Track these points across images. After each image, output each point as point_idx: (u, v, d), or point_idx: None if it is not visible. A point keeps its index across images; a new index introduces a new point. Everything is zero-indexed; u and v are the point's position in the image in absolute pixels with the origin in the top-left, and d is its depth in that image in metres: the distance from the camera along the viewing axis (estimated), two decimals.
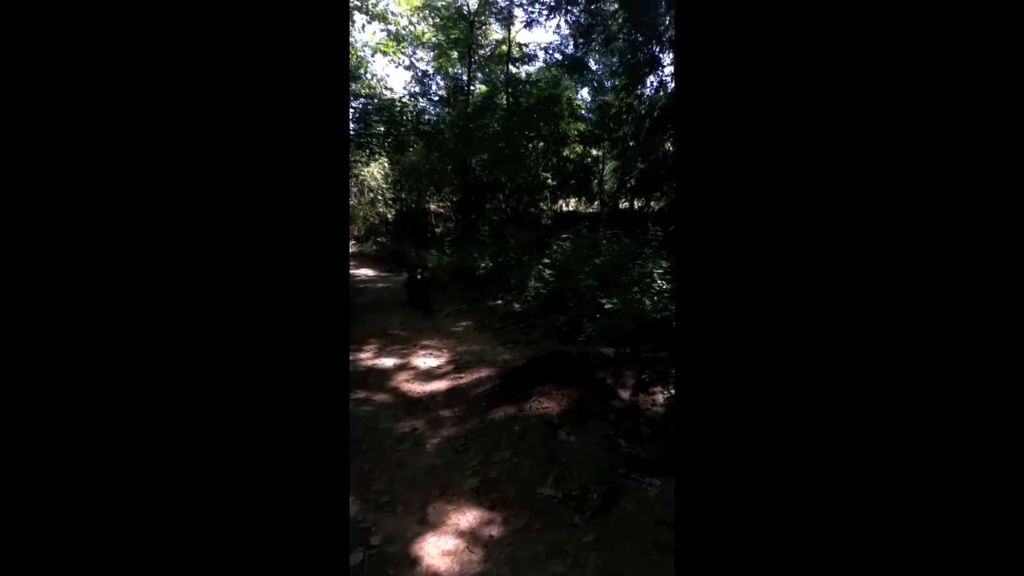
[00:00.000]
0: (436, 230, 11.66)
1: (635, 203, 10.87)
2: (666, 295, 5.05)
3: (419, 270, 6.83)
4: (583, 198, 12.04)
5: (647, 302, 4.84)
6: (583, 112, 11.53)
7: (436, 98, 13.10)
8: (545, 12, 9.98)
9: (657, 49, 9.39)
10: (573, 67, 10.33)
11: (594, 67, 11.00)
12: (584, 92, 11.87)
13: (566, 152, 11.17)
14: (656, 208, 10.09)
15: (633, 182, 10.52)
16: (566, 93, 11.21)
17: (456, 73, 12.73)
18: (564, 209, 12.07)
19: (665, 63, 9.60)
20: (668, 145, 9.67)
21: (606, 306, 4.87)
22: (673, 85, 9.58)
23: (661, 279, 5.34)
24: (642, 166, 10.03)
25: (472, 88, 12.40)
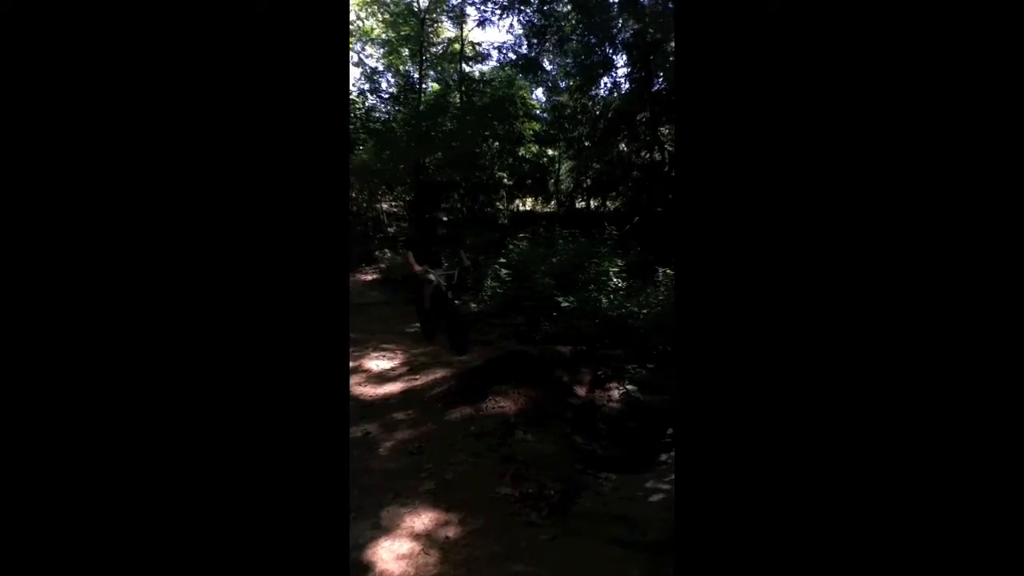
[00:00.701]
0: (389, 230, 11.49)
1: (591, 203, 11.06)
2: (621, 292, 5.16)
3: (446, 289, 4.87)
4: (540, 198, 12.15)
5: (603, 300, 4.93)
6: (538, 112, 11.64)
7: (386, 96, 12.93)
8: (498, 11, 10.02)
9: (610, 51, 9.60)
10: (527, 67, 10.41)
11: (548, 67, 11.12)
12: (539, 92, 11.99)
13: (522, 152, 11.23)
14: (612, 207, 10.29)
15: (589, 182, 10.70)
16: (520, 93, 11.28)
17: (407, 71, 12.61)
18: (521, 209, 12.13)
19: (619, 65, 9.83)
20: (623, 146, 9.89)
21: (562, 304, 4.92)
22: (626, 87, 9.82)
23: (617, 277, 5.45)
24: (598, 166, 10.22)
25: (424, 86, 12.31)
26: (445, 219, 6.92)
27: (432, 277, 4.82)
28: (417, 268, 4.81)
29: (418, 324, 5.50)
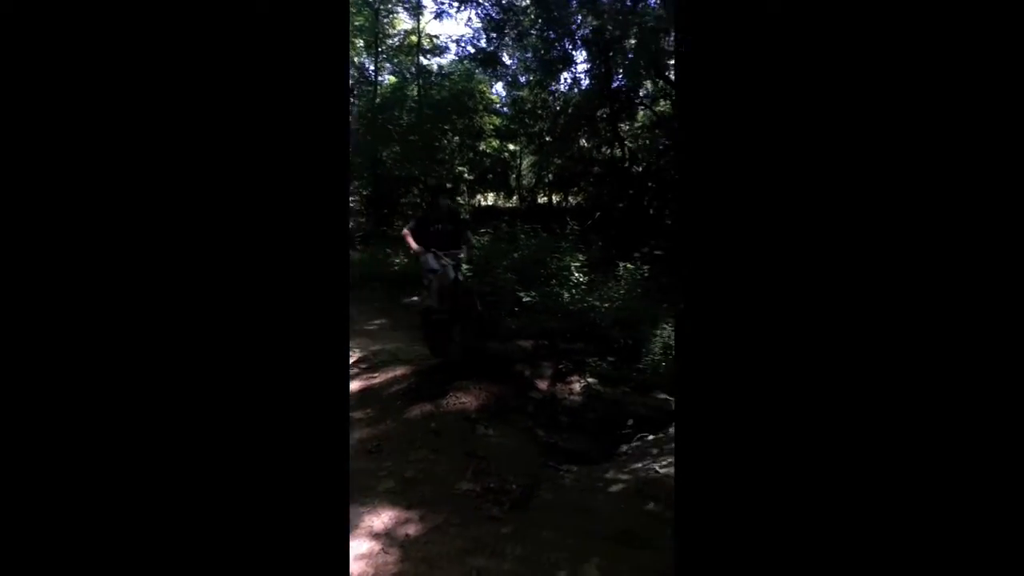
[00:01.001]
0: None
1: (553, 198, 11.15)
2: (583, 287, 5.23)
3: (462, 296, 3.63)
4: (501, 192, 12.16)
5: (565, 295, 4.98)
6: (498, 107, 11.63)
7: None
8: (456, 4, 9.95)
9: (570, 46, 9.68)
10: (486, 61, 10.38)
11: (508, 62, 11.13)
12: (499, 86, 11.98)
13: (482, 146, 11.20)
14: (573, 203, 10.40)
15: (551, 177, 10.78)
16: (480, 87, 11.24)
17: (361, 63, 12.38)
18: (482, 204, 12.12)
19: (579, 60, 9.93)
20: (583, 141, 10.00)
21: (524, 299, 4.95)
22: (587, 82, 9.93)
23: (578, 272, 5.52)
24: (559, 161, 10.30)
25: (380, 79, 12.12)
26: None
27: (442, 264, 3.49)
28: (415, 247, 3.55)
29: (379, 322, 5.39)
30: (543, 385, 3.59)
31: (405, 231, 3.75)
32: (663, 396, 3.38)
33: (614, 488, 2.45)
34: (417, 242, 3.61)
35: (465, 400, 3.26)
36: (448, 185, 10.59)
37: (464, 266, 4.00)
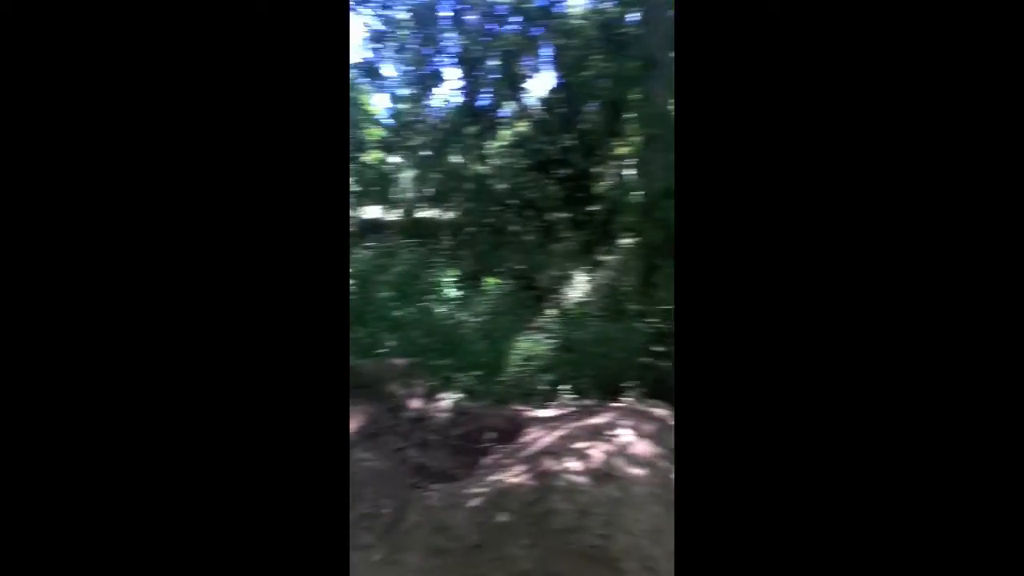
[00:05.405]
0: None
1: (432, 211, 11.05)
2: (456, 302, 5.35)
3: None
4: (383, 206, 11.79)
5: (437, 309, 5.06)
6: (379, 118, 11.23)
7: None
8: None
9: (441, 63, 9.62)
10: (369, 72, 9.98)
11: (391, 74, 10.78)
12: (381, 98, 11.56)
13: (363, 158, 10.78)
14: (450, 217, 10.41)
15: (428, 191, 10.68)
16: (362, 97, 10.76)
17: None
18: (364, 217, 11.68)
19: (451, 78, 9.93)
20: (454, 157, 10.04)
21: (394, 314, 4.95)
22: (461, 101, 9.96)
23: (451, 286, 5.62)
24: (436, 175, 10.26)
25: None
26: None
27: None
28: None
29: None
30: (415, 403, 3.67)
31: None
32: (516, 407, 3.64)
33: (472, 503, 2.62)
34: None
35: None
36: None
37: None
